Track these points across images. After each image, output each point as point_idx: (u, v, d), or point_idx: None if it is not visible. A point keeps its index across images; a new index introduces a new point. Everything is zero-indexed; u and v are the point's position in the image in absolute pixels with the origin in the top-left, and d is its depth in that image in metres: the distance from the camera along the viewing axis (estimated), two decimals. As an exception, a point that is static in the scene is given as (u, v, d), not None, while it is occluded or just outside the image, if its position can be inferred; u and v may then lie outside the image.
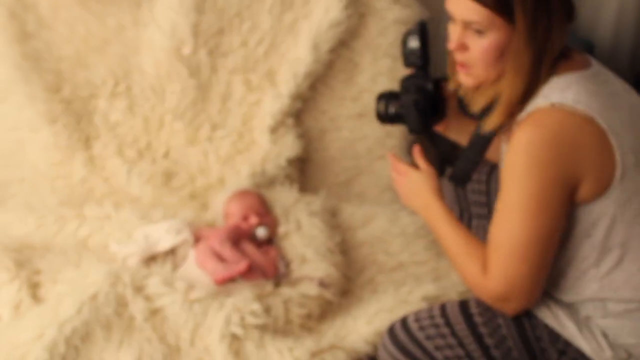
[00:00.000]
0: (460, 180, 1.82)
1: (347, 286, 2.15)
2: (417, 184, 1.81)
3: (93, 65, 2.44)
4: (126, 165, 2.38)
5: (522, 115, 1.57)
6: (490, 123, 1.63)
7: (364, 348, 1.90)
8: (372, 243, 2.29)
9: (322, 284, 2.03)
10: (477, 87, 1.66)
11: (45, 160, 2.39)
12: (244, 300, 1.92)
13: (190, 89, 2.45)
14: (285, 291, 2.00)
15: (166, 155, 2.45)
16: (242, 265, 1.97)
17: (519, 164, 1.53)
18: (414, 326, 1.69)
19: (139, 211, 2.22)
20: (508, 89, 1.56)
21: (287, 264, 2.12)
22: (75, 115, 2.41)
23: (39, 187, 2.39)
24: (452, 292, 2.05)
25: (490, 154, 1.89)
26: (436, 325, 1.67)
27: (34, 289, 1.99)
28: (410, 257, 2.25)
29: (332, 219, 2.31)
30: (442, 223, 1.72)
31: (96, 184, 2.38)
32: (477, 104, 1.69)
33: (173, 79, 2.45)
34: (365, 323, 1.95)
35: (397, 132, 2.57)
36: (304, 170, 2.52)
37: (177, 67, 2.44)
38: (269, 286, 2.01)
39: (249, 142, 2.47)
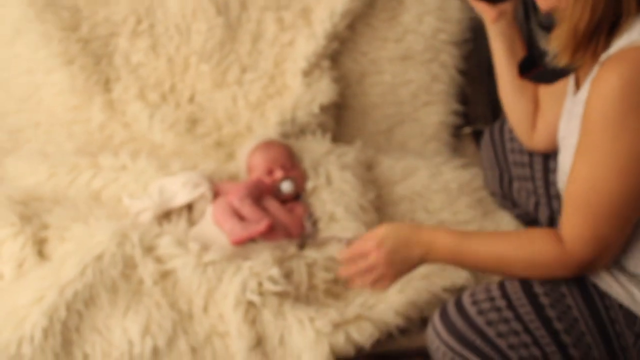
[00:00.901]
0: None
1: (380, 247, 1.96)
2: (394, 236, 1.53)
3: (113, 2, 2.28)
4: (148, 109, 2.22)
5: (610, 52, 1.35)
6: (559, 58, 1.42)
7: (393, 320, 1.72)
8: (411, 199, 2.09)
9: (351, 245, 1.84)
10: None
11: (62, 104, 2.25)
12: (262, 264, 1.75)
13: (218, 28, 2.27)
14: (310, 254, 1.82)
15: (191, 99, 2.28)
16: (262, 225, 1.79)
17: (612, 110, 1.31)
18: (471, 310, 1.46)
19: (156, 162, 2.05)
20: (569, 15, 1.36)
21: (315, 222, 1.93)
22: (94, 56, 2.25)
23: (55, 132, 2.25)
24: (495, 258, 1.84)
25: None
26: (498, 309, 1.45)
27: (40, 246, 1.86)
28: (452, 215, 2.05)
29: (367, 173, 2.10)
30: (468, 242, 1.49)
31: (115, 130, 2.23)
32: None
33: (199, 17, 2.27)
34: (396, 291, 1.76)
35: (444, 77, 2.36)
36: (339, 118, 2.32)
37: (203, 4, 2.26)
38: (292, 248, 1.83)
39: (281, 87, 2.28)
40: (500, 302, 1.46)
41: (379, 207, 2.05)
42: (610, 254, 1.40)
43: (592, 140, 1.35)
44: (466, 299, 1.49)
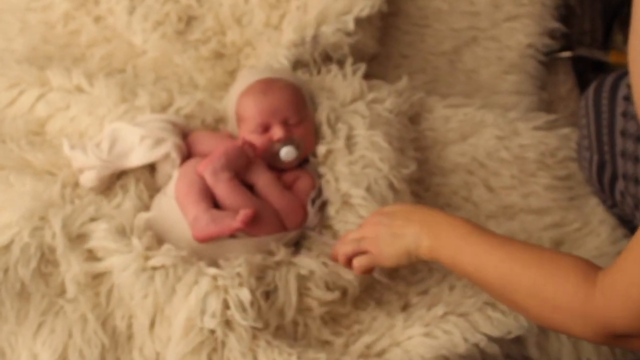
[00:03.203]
0: None
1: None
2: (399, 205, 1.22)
3: None
4: (127, 0, 1.63)
5: None
6: None
7: (413, 377, 1.20)
8: (468, 169, 1.51)
9: (367, 251, 1.30)
10: None
11: (13, -16, 1.68)
12: (233, 273, 1.22)
13: None
14: (305, 261, 1.28)
15: (187, -12, 1.68)
16: (237, 221, 1.25)
17: None
18: None
19: (118, 89, 1.47)
20: None
21: (322, 205, 1.38)
22: None
23: (5, 21, 1.70)
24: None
25: None
26: None
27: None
28: (522, 199, 1.49)
29: (409, 129, 1.50)
30: (480, 238, 1.08)
31: (84, 24, 1.67)
32: None
33: None
34: (421, 334, 1.23)
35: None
36: (386, 31, 1.69)
37: None
38: (281, 250, 1.29)
39: (309, -18, 1.65)
40: None
41: (421, 178, 1.47)
42: None
43: None
44: None
